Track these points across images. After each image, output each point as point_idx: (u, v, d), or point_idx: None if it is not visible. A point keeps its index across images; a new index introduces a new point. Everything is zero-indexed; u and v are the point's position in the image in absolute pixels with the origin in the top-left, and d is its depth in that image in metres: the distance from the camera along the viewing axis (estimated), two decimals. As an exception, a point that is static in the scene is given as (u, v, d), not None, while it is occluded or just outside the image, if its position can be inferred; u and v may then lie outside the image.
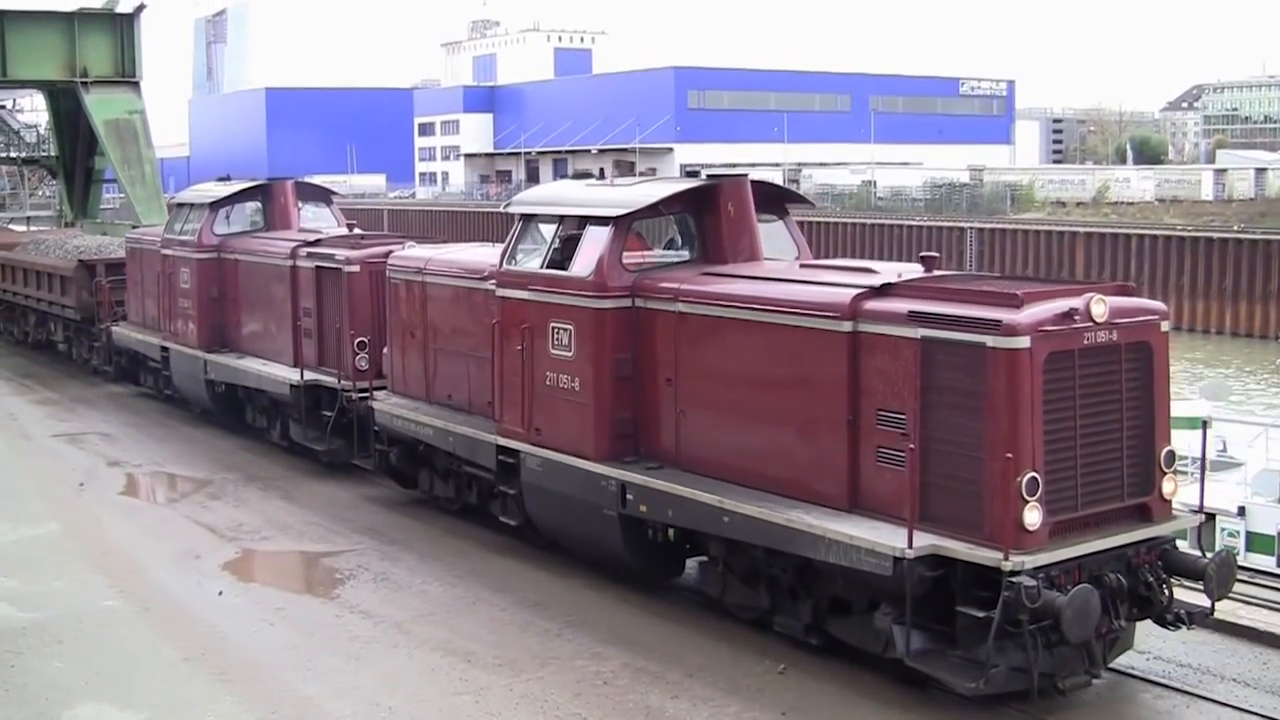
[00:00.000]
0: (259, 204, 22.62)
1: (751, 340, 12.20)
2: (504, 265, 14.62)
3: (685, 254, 13.93)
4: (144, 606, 13.88)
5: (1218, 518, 23.01)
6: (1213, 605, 11.35)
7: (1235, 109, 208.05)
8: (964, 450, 10.50)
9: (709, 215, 13.72)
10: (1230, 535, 22.69)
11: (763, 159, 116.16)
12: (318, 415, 19.19)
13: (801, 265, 13.37)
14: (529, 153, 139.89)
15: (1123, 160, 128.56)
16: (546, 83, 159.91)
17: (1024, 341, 10.14)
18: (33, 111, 67.98)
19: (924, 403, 10.75)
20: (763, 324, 12.04)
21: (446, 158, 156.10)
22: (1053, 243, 66.64)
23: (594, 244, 13.47)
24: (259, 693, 11.47)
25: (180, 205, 24.05)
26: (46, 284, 29.86)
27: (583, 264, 13.51)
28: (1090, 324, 10.51)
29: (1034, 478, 10.10)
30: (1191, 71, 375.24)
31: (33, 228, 56.38)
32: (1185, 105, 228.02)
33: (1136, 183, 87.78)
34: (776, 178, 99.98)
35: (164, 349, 23.89)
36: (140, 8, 48.39)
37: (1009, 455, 10.01)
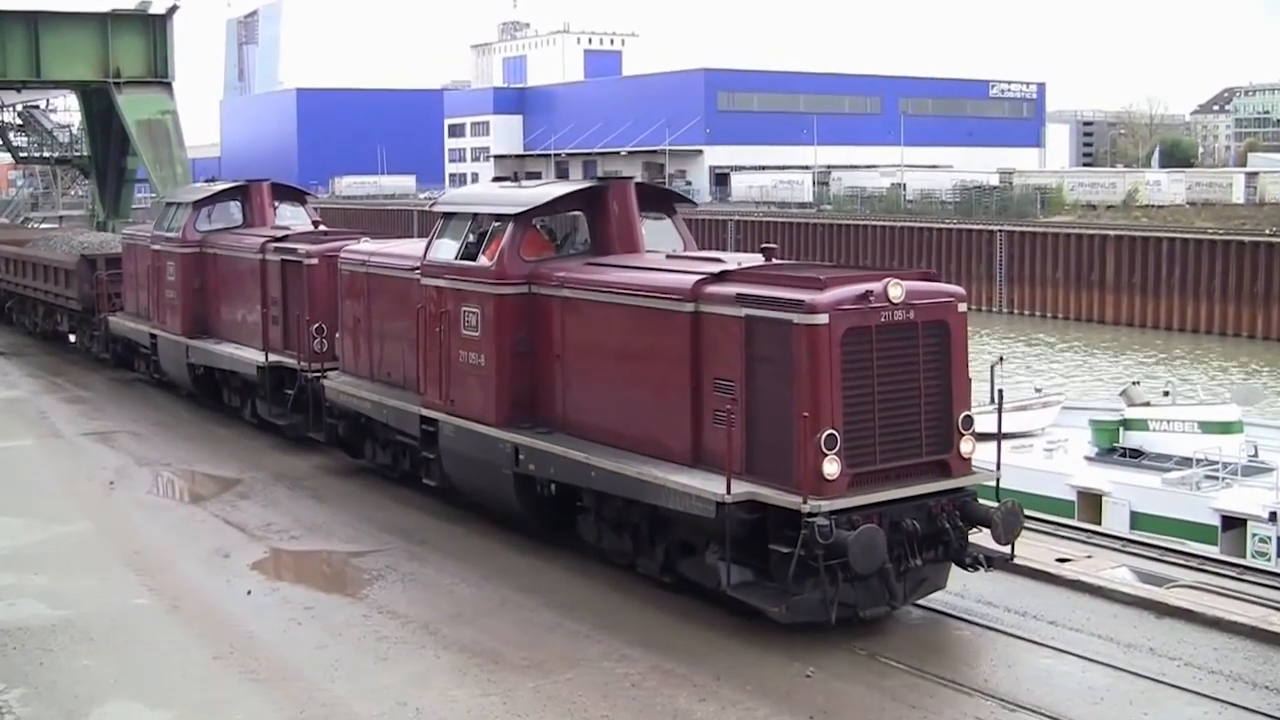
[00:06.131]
0: (239, 203, 24.56)
1: (618, 320, 14.09)
2: (427, 257, 16.53)
3: (583, 247, 15.80)
4: (173, 605, 14.02)
5: (1249, 523, 23.14)
6: (1012, 551, 13.10)
7: (1266, 112, 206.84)
8: (778, 412, 12.25)
9: (598, 213, 15.57)
10: (1261, 541, 22.75)
11: (792, 161, 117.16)
12: (282, 394, 21.11)
13: (667, 256, 15.15)
14: (559, 154, 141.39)
15: (1150, 163, 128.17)
16: (576, 84, 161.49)
17: (823, 319, 11.87)
18: (66, 111, 69.63)
19: (748, 372, 12.55)
20: (626, 306, 13.93)
21: (476, 159, 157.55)
22: (1083, 246, 66.71)
23: (498, 238, 15.39)
24: (287, 692, 11.58)
25: (169, 204, 26.06)
26: (53, 277, 31.70)
27: (488, 256, 15.43)
28: (887, 304, 12.20)
29: (832, 434, 11.81)
30: (1222, 74, 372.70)
31: (64, 227, 58.35)
32: (1216, 108, 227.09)
33: (1167, 186, 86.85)
34: (806, 180, 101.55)
35: (153, 336, 25.94)
36: (173, 9, 49.59)
37: (805, 415, 11.79)
